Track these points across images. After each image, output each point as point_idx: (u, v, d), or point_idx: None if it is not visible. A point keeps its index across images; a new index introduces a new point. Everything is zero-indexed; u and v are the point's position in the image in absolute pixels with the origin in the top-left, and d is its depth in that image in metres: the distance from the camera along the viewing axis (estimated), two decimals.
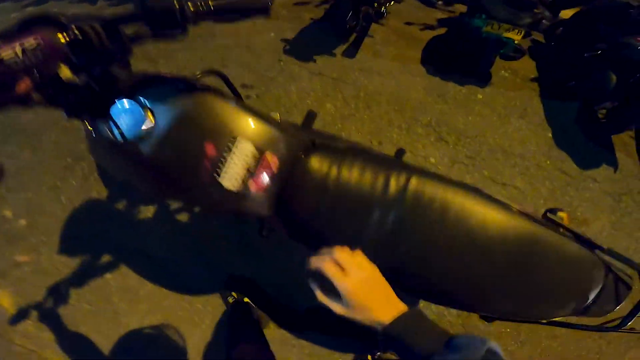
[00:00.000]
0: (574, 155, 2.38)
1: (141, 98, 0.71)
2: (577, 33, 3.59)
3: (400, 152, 1.27)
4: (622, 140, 2.67)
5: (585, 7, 3.81)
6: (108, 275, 1.65)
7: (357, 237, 0.78)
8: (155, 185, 0.79)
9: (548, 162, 2.28)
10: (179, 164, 0.72)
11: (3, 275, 1.65)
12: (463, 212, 0.78)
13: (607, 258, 0.85)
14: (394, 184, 0.78)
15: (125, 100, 0.69)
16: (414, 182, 0.79)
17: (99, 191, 1.81)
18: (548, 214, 0.90)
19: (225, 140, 0.71)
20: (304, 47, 2.75)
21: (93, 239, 1.71)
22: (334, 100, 2.28)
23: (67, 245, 1.69)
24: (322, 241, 0.72)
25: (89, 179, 1.83)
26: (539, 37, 3.84)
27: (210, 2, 0.66)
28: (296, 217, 0.82)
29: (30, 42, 0.59)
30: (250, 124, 0.75)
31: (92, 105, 0.70)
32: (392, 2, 3.35)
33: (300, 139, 0.85)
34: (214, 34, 2.74)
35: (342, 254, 0.56)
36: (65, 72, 0.62)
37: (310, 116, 1.14)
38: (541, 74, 3.25)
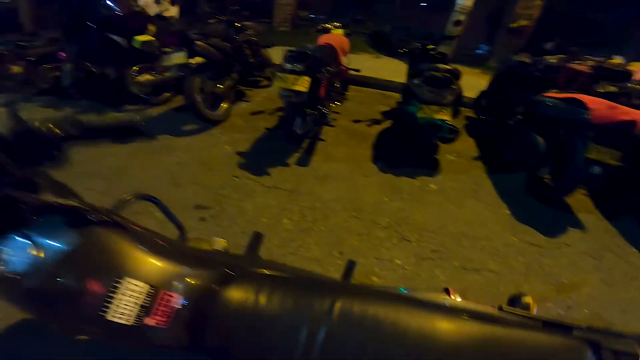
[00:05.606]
0: (537, 225, 2.39)
1: (31, 231, 0.71)
2: (497, 100, 3.80)
3: (350, 264, 1.23)
4: (578, 200, 2.73)
5: (496, 74, 4.08)
6: None
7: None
8: (42, 317, 0.77)
9: (514, 238, 2.26)
10: (60, 299, 0.73)
11: None
12: (398, 328, 0.72)
13: (596, 336, 0.75)
14: (318, 307, 0.76)
15: (15, 236, 0.68)
16: (338, 305, 0.76)
17: None
18: (504, 307, 0.84)
19: (112, 277, 0.73)
20: (259, 159, 2.87)
21: None
22: (291, 214, 2.28)
23: None
24: None
25: None
26: (471, 113, 4.22)
27: (81, 125, 0.69)
28: (217, 347, 0.80)
29: None
30: (142, 262, 0.77)
31: None
32: (335, 104, 3.67)
33: (215, 271, 0.85)
34: (169, 149, 2.87)
35: None
36: None
37: (256, 239, 1.11)
38: (482, 151, 3.48)
